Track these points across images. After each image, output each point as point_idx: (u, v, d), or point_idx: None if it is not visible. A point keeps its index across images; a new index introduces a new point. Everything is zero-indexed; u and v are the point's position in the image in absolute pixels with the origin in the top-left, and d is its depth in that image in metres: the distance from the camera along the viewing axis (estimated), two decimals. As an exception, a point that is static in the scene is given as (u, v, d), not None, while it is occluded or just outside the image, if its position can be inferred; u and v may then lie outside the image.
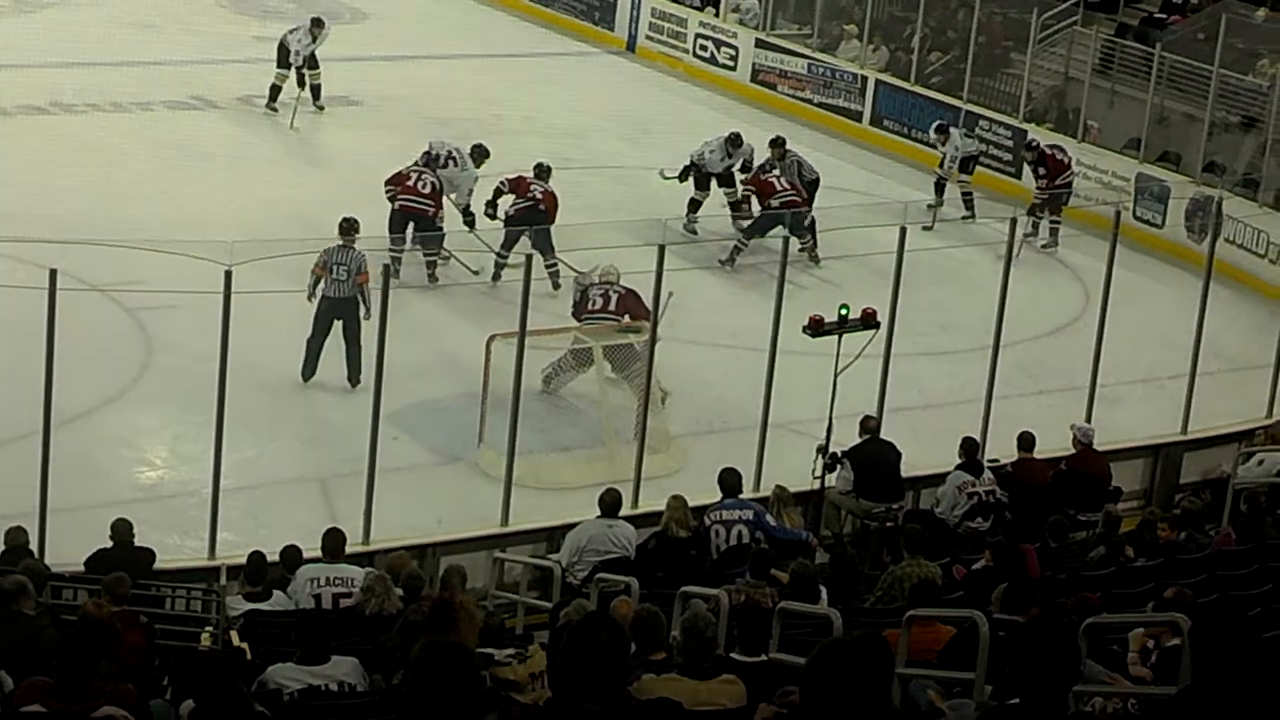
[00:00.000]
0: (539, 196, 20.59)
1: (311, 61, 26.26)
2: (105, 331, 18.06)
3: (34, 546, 13.39)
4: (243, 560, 13.60)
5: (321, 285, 17.61)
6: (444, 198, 20.66)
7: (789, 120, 28.79)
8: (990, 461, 16.28)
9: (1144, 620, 10.52)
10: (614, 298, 17.94)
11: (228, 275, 13.87)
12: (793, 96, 29.70)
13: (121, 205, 21.71)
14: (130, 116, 25.94)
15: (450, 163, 21.19)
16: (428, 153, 21.14)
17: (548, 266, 19.85)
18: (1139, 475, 17.72)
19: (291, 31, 26.51)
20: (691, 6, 32.22)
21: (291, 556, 13.56)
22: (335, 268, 17.63)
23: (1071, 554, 14.34)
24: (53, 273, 13.61)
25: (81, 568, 13.30)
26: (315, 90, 26.46)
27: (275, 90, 26.36)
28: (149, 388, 17.65)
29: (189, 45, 29.12)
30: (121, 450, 16.63)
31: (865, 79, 28.70)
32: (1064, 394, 18.70)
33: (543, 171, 21.03)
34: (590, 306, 18.00)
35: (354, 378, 17.51)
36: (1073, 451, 16.54)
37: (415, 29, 32.23)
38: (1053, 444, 16.75)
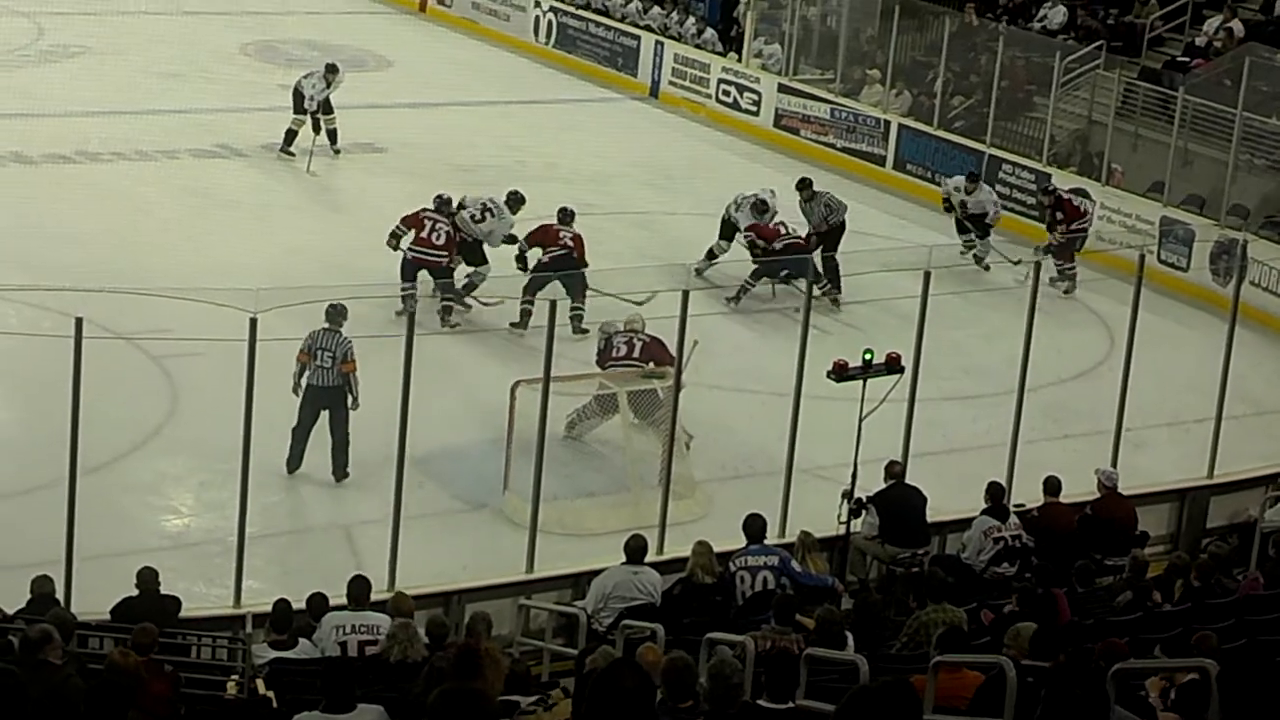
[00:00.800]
0: (570, 244, 20.61)
1: (326, 106, 26.34)
2: (131, 379, 18.10)
3: (60, 595, 13.40)
4: (268, 608, 13.59)
5: (306, 373, 16.85)
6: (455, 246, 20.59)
7: (812, 164, 28.79)
8: (1016, 506, 16.23)
9: (1172, 666, 10.47)
10: (638, 345, 17.93)
11: (253, 322, 13.89)
12: (816, 141, 29.74)
13: (147, 253, 21.79)
14: (155, 165, 26.05)
15: (487, 215, 21.06)
16: (440, 197, 21.12)
17: (573, 311, 19.85)
18: (1165, 520, 17.65)
19: (306, 77, 26.55)
20: (714, 52, 32.32)
21: (317, 604, 13.55)
22: (320, 353, 16.83)
23: (1098, 599, 14.29)
24: (78, 321, 13.64)
25: (107, 616, 13.30)
26: (332, 135, 26.54)
27: (291, 135, 26.41)
28: (174, 435, 17.68)
29: (213, 94, 29.29)
30: (147, 498, 16.66)
31: (888, 123, 28.73)
32: (1089, 438, 18.63)
33: (567, 216, 21.04)
34: (615, 354, 17.99)
35: (339, 471, 16.97)
36: (1098, 496, 16.49)
37: (439, 75, 32.36)
38: (1078, 488, 16.70)
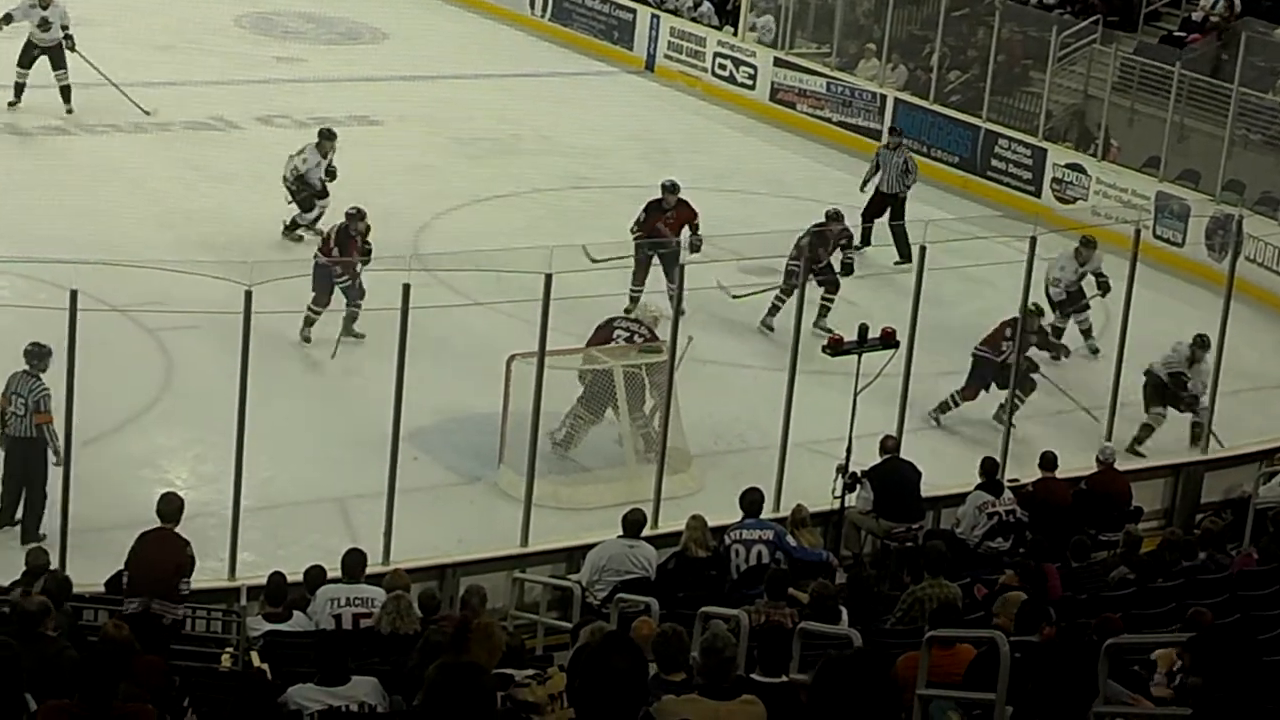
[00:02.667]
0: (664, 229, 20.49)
1: (331, 174, 21.92)
2: (126, 352, 18.09)
3: (55, 567, 13.40)
4: (263, 581, 13.60)
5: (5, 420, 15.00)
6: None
7: (809, 139, 28.83)
8: (1011, 481, 16.25)
9: (1166, 641, 10.49)
10: (637, 339, 17.70)
11: (248, 295, 13.88)
12: (812, 115, 29.69)
13: (141, 226, 21.76)
14: (149, 137, 26.00)
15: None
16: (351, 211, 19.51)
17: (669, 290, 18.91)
18: (1160, 495, 17.67)
19: (297, 155, 22.02)
20: (710, 26, 32.27)
21: (314, 577, 13.56)
22: (14, 399, 14.93)
23: (1093, 574, 14.31)
24: (73, 293, 13.63)
25: (102, 588, 13.31)
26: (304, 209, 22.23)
27: (303, 226, 22.01)
28: (169, 408, 17.67)
29: (207, 66, 29.22)
30: (142, 471, 16.65)
31: (884, 98, 28.69)
32: (1085, 413, 18.65)
33: (671, 188, 20.78)
34: (613, 340, 17.83)
35: (32, 532, 14.82)
36: (1094, 471, 16.51)
37: (434, 48, 32.27)
38: (1074, 464, 16.71)
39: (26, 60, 25.72)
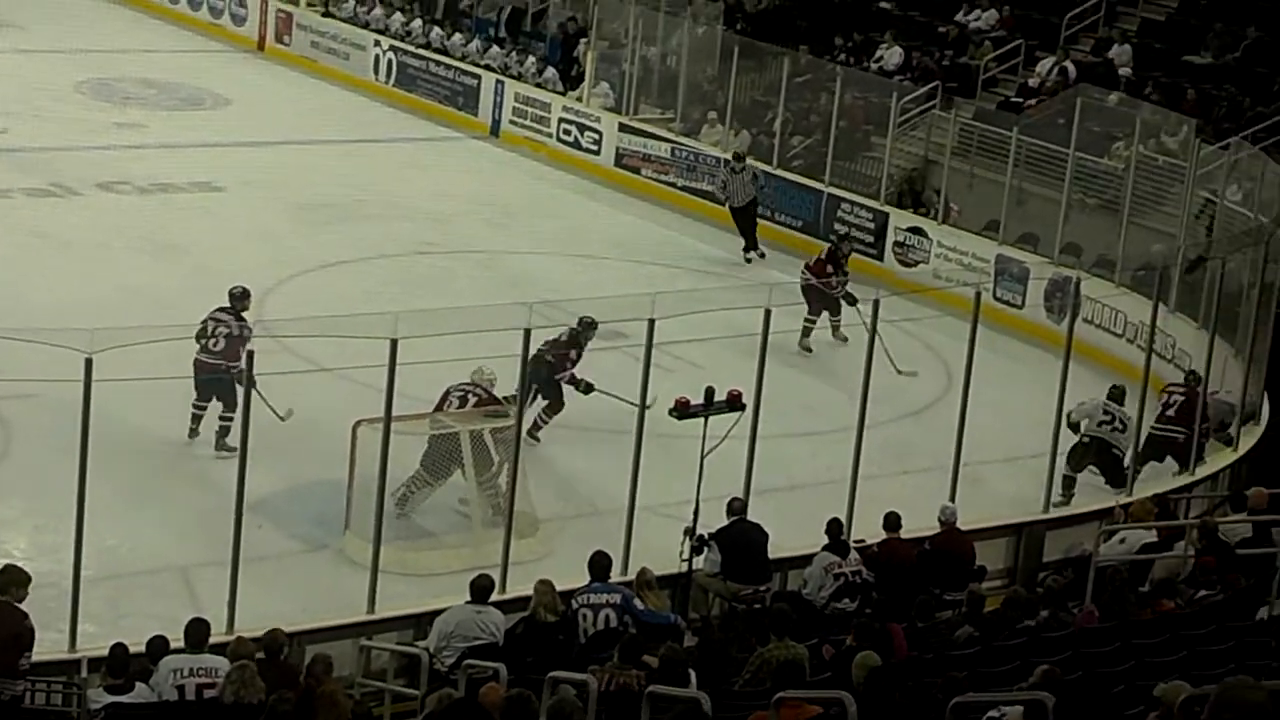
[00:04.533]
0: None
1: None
2: (-38, 421, 17.81)
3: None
4: (105, 652, 13.38)
5: None
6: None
7: (654, 204, 29.01)
8: (856, 542, 16.34)
9: (1010, 699, 10.58)
10: (471, 400, 17.74)
11: (88, 363, 13.69)
12: (657, 180, 29.88)
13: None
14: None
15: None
16: (233, 291, 18.82)
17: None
18: (1003, 554, 17.84)
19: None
20: (555, 91, 32.39)
21: (157, 647, 13.34)
22: None
23: (938, 633, 14.41)
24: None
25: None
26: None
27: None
28: (7, 478, 17.40)
29: (47, 133, 28.91)
30: (-20, 541, 16.36)
31: (728, 162, 28.90)
32: (928, 474, 18.82)
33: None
34: (446, 408, 17.81)
35: None
36: (937, 531, 16.64)
37: (277, 114, 32.17)
38: (919, 524, 16.85)
39: None
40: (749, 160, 27.29)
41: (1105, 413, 19.42)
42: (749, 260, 26.50)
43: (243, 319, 18.49)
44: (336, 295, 21.60)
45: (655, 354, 16.19)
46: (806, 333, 22.79)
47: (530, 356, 16.51)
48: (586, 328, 19.56)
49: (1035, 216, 25.93)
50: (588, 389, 18.93)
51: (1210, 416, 19.85)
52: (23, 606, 13.01)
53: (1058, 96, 28.19)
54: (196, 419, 18.50)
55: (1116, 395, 19.53)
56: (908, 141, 28.46)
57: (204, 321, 18.37)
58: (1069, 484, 19.24)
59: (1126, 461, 19.21)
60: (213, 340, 18.25)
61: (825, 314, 22.80)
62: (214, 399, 18.37)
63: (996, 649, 13.06)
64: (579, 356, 19.65)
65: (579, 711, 8.91)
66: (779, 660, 12.57)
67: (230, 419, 18.14)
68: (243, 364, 16.73)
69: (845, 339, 22.47)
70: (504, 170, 30.76)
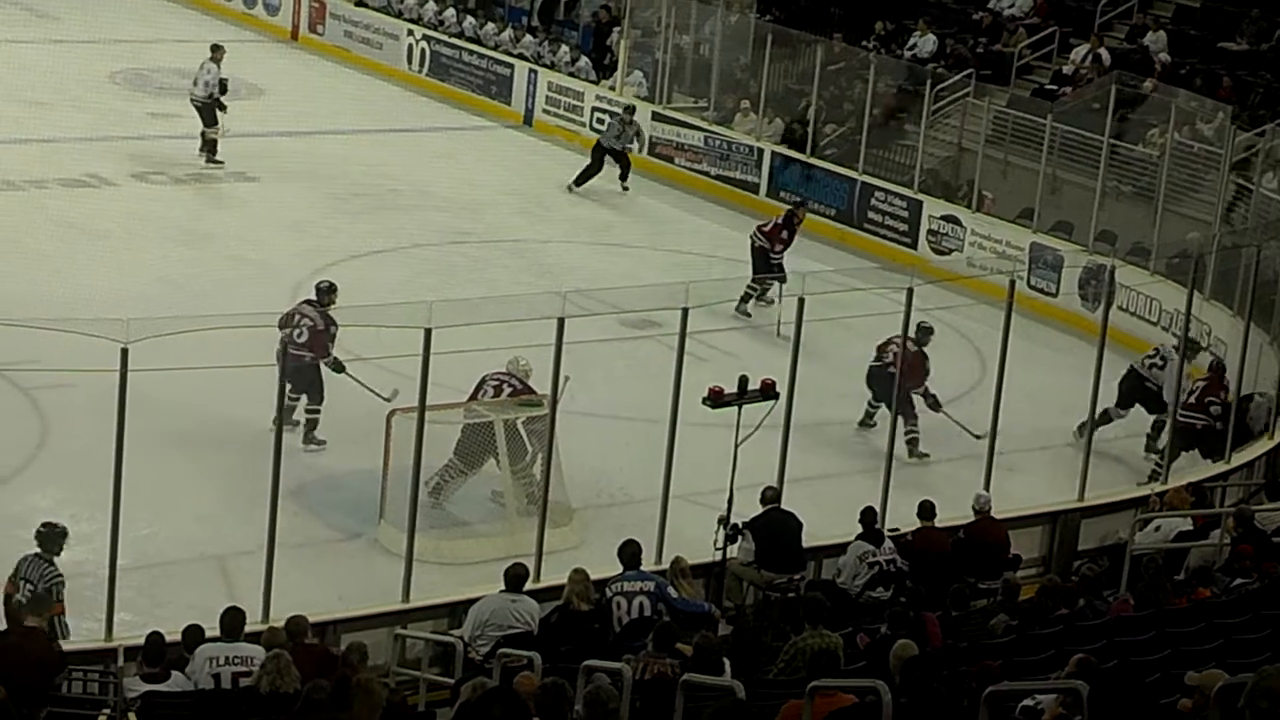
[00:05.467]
0: None
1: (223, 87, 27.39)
2: (0, 411, 17.87)
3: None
4: (141, 641, 13.42)
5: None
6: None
7: (687, 192, 29.00)
8: (890, 530, 16.33)
9: (1046, 687, 10.56)
10: (506, 391, 17.77)
11: (124, 353, 13.74)
12: (690, 169, 29.85)
13: (16, 284, 21.53)
14: (24, 195, 25.75)
15: None
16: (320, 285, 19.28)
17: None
18: (1037, 543, 17.81)
19: (204, 72, 27.35)
20: (588, 80, 32.38)
21: (192, 636, 13.38)
22: (23, 584, 13.79)
23: (973, 622, 14.39)
24: (-55, 353, 13.47)
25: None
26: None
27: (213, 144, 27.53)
28: (44, 467, 17.47)
29: (82, 122, 28.99)
30: (16, 531, 16.36)
31: (761, 151, 28.89)
32: (963, 462, 18.80)
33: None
34: (482, 397, 17.83)
35: None
36: (972, 520, 16.62)
37: (311, 104, 32.20)
38: (953, 512, 16.83)
39: None
40: (635, 118, 29.40)
41: (1155, 349, 20.09)
42: (626, 190, 28.67)
43: (327, 313, 18.63)
44: (371, 285, 21.61)
45: (689, 343, 16.19)
46: (746, 299, 23.11)
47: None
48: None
49: (1069, 204, 25.86)
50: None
51: (1251, 420, 19.75)
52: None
53: (1092, 84, 28.09)
54: (288, 410, 18.25)
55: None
56: (942, 129, 28.41)
57: (289, 313, 18.46)
58: (1104, 418, 19.47)
59: (1167, 396, 19.42)
60: (296, 331, 18.26)
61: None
62: (303, 394, 18.26)
63: (1031, 638, 13.04)
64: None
65: (614, 700, 8.91)
66: (813, 649, 12.56)
67: (317, 411, 18.43)
68: (331, 355, 18.14)
69: (772, 302, 22.71)
70: (537, 159, 30.76)
